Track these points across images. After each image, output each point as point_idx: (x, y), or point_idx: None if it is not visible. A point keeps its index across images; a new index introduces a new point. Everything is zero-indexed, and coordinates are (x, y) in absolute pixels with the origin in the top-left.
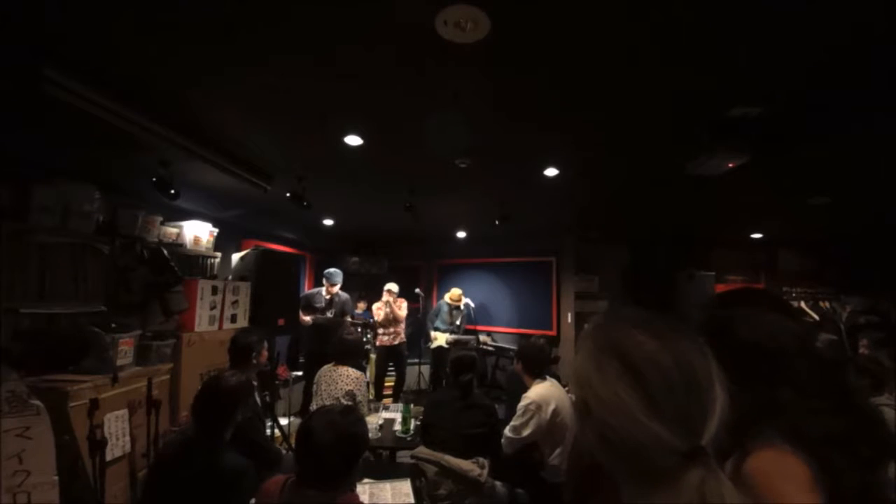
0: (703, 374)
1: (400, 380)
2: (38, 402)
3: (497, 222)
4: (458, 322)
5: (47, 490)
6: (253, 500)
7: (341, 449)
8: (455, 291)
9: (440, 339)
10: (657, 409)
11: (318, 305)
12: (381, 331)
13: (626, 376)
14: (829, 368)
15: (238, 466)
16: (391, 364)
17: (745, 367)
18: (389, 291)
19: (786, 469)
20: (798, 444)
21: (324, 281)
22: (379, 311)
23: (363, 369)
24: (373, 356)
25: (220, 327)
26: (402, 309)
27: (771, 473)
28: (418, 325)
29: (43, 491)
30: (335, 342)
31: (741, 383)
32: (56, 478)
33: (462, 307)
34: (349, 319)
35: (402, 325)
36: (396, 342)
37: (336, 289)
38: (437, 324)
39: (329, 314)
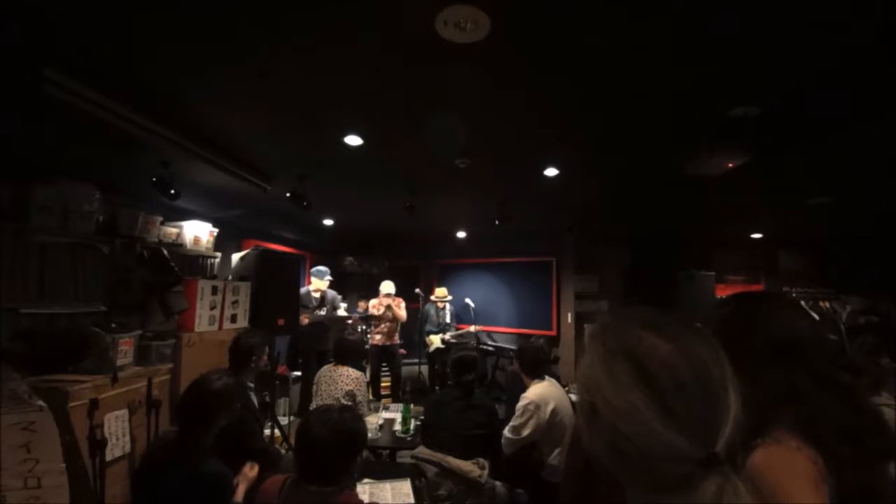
0: (718, 378)
1: (396, 380)
2: (40, 402)
3: (497, 222)
4: (448, 320)
5: (56, 476)
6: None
7: (340, 446)
8: (440, 290)
9: (435, 341)
10: (672, 416)
11: (311, 305)
12: (374, 328)
13: (640, 382)
14: (841, 363)
15: (218, 473)
16: (384, 364)
17: (768, 359)
18: (388, 295)
19: (790, 464)
20: (809, 436)
21: (313, 279)
22: (376, 308)
23: (363, 369)
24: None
25: (220, 327)
26: (401, 308)
27: (775, 469)
28: (419, 324)
29: (52, 476)
30: (336, 342)
31: (762, 373)
32: (63, 465)
33: (448, 304)
34: (343, 314)
35: (398, 325)
36: (389, 343)
37: (327, 284)
38: (429, 327)
39: (322, 312)
